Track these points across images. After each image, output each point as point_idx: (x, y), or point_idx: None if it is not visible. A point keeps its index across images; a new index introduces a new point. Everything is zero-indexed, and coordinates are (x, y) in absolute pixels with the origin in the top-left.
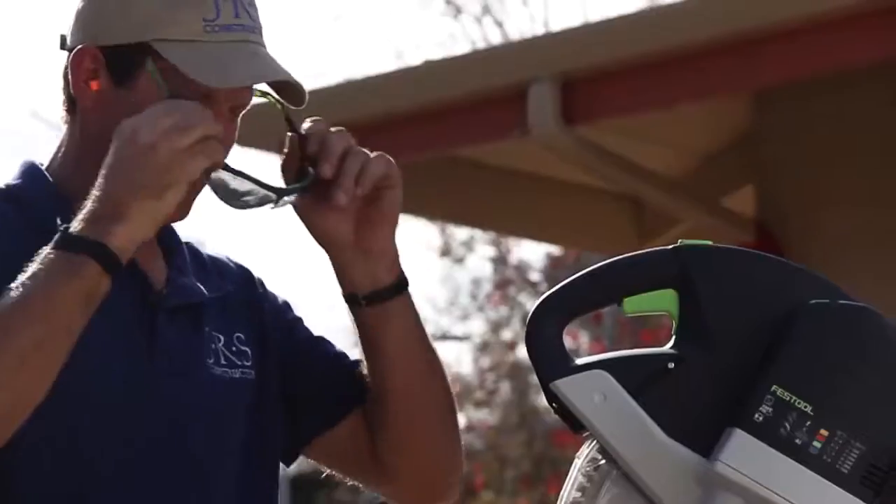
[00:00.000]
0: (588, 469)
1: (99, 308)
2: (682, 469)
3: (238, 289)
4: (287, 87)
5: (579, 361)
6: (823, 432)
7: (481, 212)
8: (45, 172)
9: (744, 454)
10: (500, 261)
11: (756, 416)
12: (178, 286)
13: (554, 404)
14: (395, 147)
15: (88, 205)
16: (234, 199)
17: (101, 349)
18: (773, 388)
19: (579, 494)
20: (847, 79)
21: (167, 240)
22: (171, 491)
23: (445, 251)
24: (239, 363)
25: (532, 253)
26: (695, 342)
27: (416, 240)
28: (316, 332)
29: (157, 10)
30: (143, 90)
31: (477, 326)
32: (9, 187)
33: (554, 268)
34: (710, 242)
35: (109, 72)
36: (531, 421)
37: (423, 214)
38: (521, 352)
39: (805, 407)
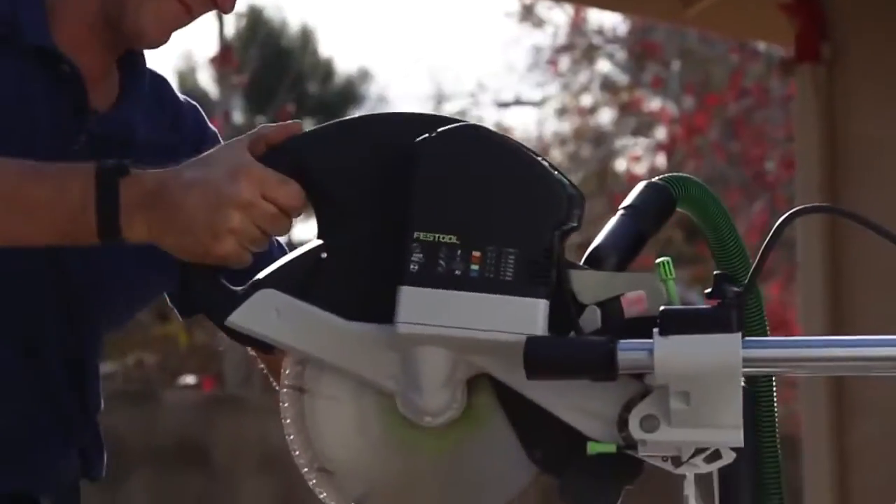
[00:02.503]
0: (288, 391)
1: (31, 98)
2: (373, 344)
3: (187, 143)
4: None
5: (239, 289)
6: (476, 254)
7: None
8: None
9: (416, 306)
10: (576, 26)
11: (411, 266)
12: (116, 117)
13: (240, 339)
14: None
15: (159, 174)
16: None
17: (17, 139)
18: (415, 234)
19: (288, 421)
20: None
21: (130, 67)
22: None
23: (524, 16)
24: None
25: (610, 18)
26: (334, 225)
27: (494, 5)
28: None
29: None
30: None
31: (554, 91)
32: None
33: (632, 32)
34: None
35: None
36: (611, 185)
37: None
38: (601, 117)
39: (450, 239)
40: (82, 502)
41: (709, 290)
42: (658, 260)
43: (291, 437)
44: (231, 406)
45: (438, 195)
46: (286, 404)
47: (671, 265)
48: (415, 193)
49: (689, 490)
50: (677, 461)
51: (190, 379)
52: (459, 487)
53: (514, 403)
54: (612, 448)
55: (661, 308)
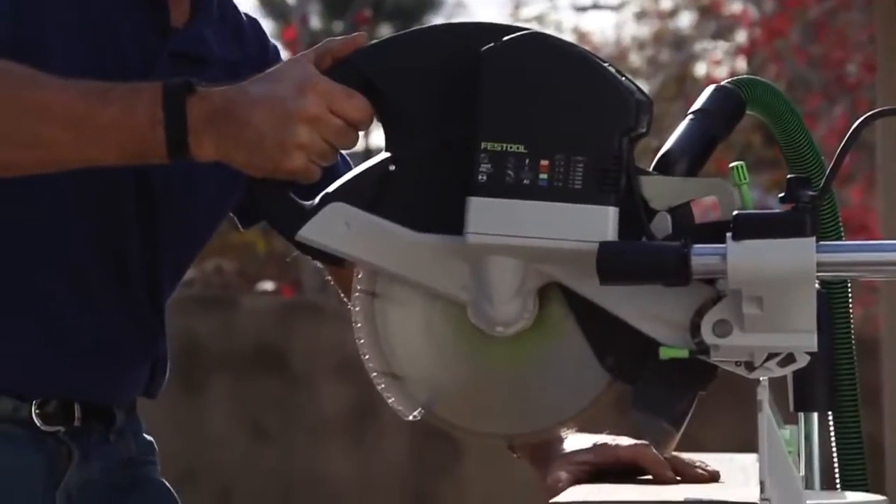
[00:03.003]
0: (360, 295)
1: (116, 17)
2: (443, 255)
3: (249, 59)
4: None
5: (307, 203)
6: (544, 163)
7: None
8: None
9: (485, 217)
10: None
11: (480, 177)
12: (192, 34)
13: (310, 253)
14: None
15: (226, 91)
16: None
17: (94, 58)
18: (483, 145)
19: (359, 325)
20: None
21: None
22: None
23: None
24: None
25: None
26: (402, 137)
27: None
28: None
29: None
30: None
31: None
32: None
33: None
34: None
35: None
36: (690, 89)
37: None
38: (680, 20)
39: (518, 148)
40: (165, 403)
41: (782, 194)
42: (732, 164)
43: (362, 341)
44: (309, 312)
45: (505, 105)
46: (358, 308)
47: (745, 169)
48: (481, 103)
49: (763, 395)
50: (750, 366)
51: (268, 285)
52: (532, 397)
53: (585, 312)
54: (684, 353)
55: (735, 212)
